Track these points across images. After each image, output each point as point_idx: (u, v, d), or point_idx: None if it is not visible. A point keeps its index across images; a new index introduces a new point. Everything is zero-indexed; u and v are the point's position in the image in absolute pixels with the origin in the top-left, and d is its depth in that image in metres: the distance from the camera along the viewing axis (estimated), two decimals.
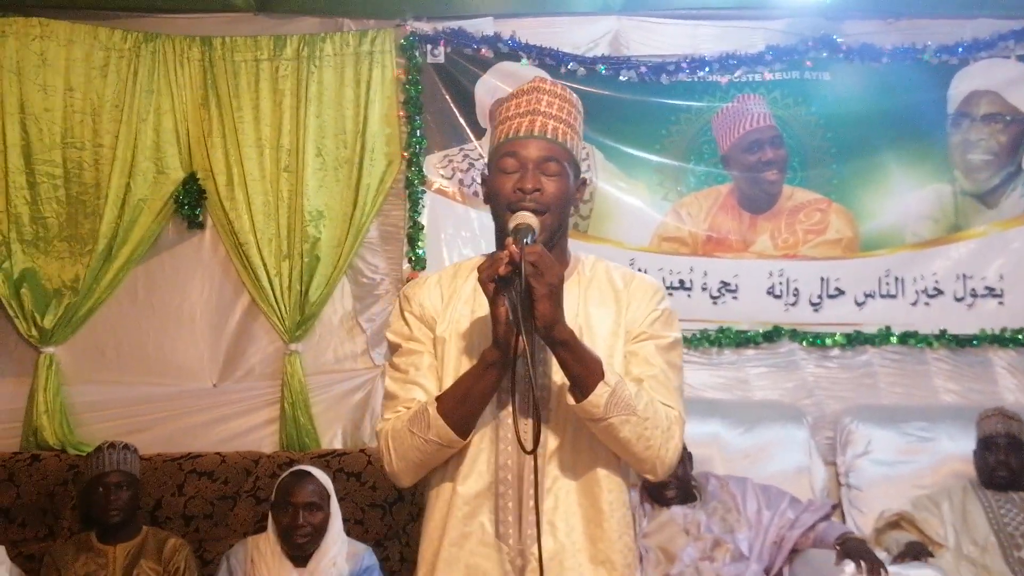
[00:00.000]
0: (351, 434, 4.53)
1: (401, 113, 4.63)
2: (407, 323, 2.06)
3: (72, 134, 4.42)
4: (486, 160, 4.49)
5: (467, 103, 4.68)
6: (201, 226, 4.55)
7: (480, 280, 1.83)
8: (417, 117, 4.63)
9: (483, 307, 1.90)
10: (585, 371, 1.85)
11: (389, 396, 2.03)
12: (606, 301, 2.03)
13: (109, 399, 4.42)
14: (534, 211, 1.92)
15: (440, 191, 4.66)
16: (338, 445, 4.48)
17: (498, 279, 1.79)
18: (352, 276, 4.62)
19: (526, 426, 1.90)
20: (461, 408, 1.90)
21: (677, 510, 3.89)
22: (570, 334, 1.85)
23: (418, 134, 4.63)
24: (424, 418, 1.91)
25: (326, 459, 4.15)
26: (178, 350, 4.51)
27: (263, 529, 3.85)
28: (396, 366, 2.05)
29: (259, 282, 4.45)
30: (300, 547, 3.43)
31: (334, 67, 4.54)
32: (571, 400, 1.87)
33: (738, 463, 4.21)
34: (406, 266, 4.61)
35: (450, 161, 4.68)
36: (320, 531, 3.46)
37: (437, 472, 2.01)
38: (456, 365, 1.97)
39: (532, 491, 1.91)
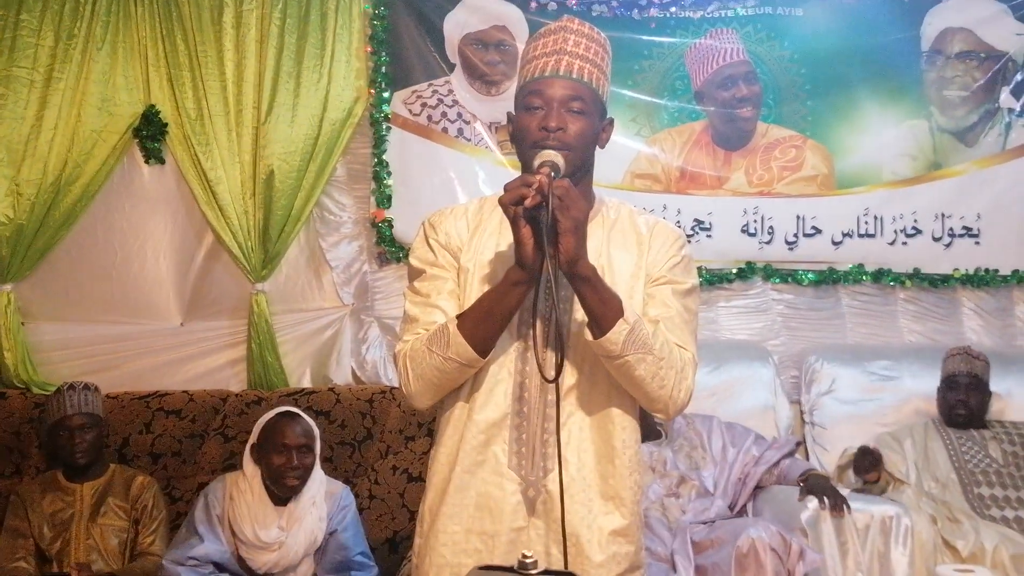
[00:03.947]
0: (319, 372, 4.53)
1: (368, 48, 4.56)
2: (432, 250, 2.06)
3: (17, 63, 4.31)
4: (457, 96, 4.56)
5: (436, 38, 4.62)
6: (162, 161, 4.46)
7: (501, 201, 1.82)
8: (384, 52, 4.57)
9: (508, 241, 1.90)
10: (605, 308, 1.86)
11: (409, 319, 2.04)
12: (628, 245, 2.05)
13: (75, 337, 4.38)
14: (558, 149, 1.91)
15: (408, 127, 4.61)
16: (307, 384, 4.48)
17: (524, 211, 1.80)
18: (319, 214, 4.58)
19: (546, 358, 1.93)
20: (482, 326, 1.90)
21: (644, 447, 3.89)
22: (592, 270, 1.86)
23: (384, 70, 4.57)
24: (444, 336, 1.92)
25: (294, 397, 4.15)
26: (143, 288, 4.46)
27: (232, 467, 3.88)
28: (417, 290, 2.05)
29: (225, 220, 4.39)
30: (290, 488, 3.41)
31: (299, 0, 4.45)
32: (589, 336, 1.88)
33: (704, 401, 4.22)
34: (372, 203, 4.59)
35: (419, 97, 4.62)
36: (308, 472, 3.45)
37: (452, 397, 2.02)
38: (478, 295, 1.96)
39: (548, 424, 1.94)
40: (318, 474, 3.52)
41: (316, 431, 3.54)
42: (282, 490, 3.42)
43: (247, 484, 3.46)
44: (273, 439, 3.44)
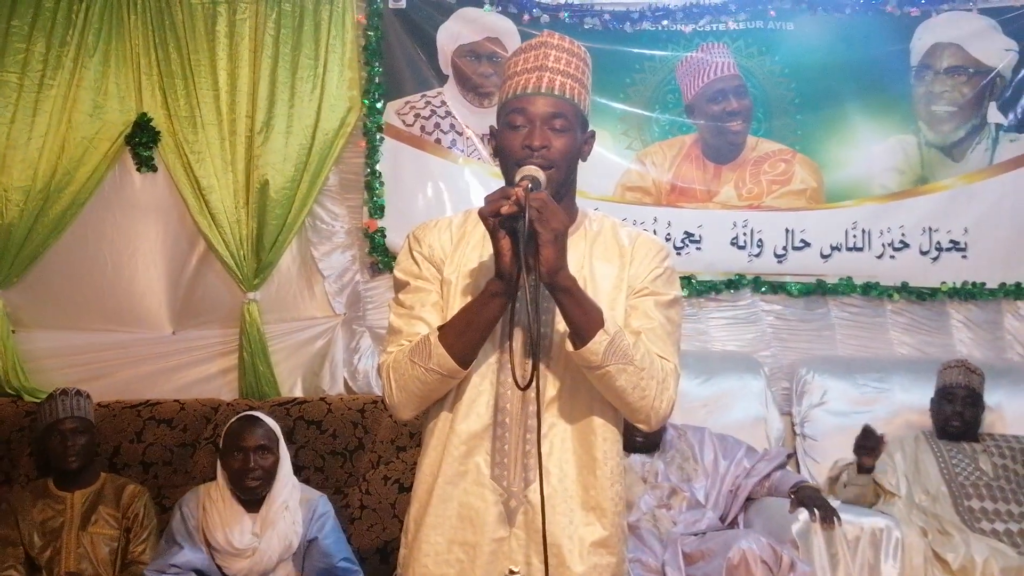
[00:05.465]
0: (311, 382, 4.52)
1: (361, 59, 4.57)
2: (416, 262, 2.08)
3: (7, 68, 4.29)
4: (449, 107, 4.57)
5: (429, 49, 4.64)
6: (154, 169, 4.46)
7: (480, 213, 1.84)
8: (377, 63, 4.58)
9: (491, 253, 1.91)
10: (586, 318, 1.87)
11: (393, 331, 2.05)
12: (611, 257, 2.05)
13: (65, 345, 4.37)
14: (542, 167, 1.92)
15: (401, 138, 4.61)
16: (298, 393, 4.47)
17: (502, 221, 1.81)
18: (312, 224, 4.58)
19: (525, 367, 1.93)
20: (463, 338, 1.92)
21: (635, 458, 3.93)
22: (572, 281, 1.87)
23: (377, 80, 4.58)
24: (425, 347, 1.93)
25: (286, 407, 4.15)
26: (134, 297, 4.45)
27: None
28: (401, 302, 2.07)
29: (217, 229, 4.39)
30: (252, 491, 3.42)
31: (293, 11, 4.46)
32: (570, 347, 1.89)
33: (696, 413, 4.24)
34: (365, 213, 4.59)
35: (412, 107, 4.63)
36: (271, 475, 3.45)
37: (435, 409, 2.03)
38: (461, 307, 1.97)
39: (530, 435, 1.95)
40: (286, 477, 3.52)
41: (278, 433, 3.55)
42: (244, 492, 3.43)
43: (219, 492, 3.48)
44: (232, 442, 3.46)
